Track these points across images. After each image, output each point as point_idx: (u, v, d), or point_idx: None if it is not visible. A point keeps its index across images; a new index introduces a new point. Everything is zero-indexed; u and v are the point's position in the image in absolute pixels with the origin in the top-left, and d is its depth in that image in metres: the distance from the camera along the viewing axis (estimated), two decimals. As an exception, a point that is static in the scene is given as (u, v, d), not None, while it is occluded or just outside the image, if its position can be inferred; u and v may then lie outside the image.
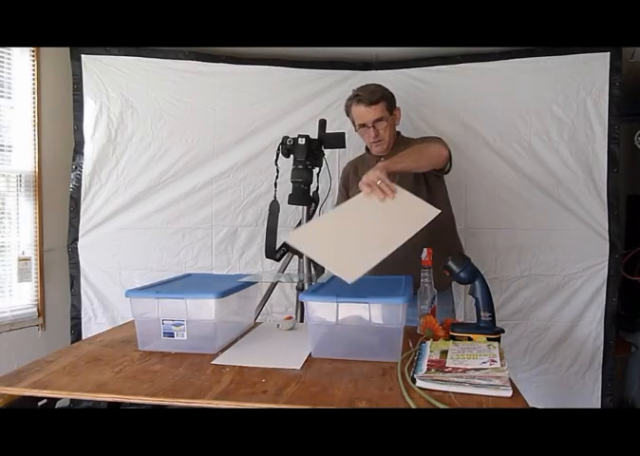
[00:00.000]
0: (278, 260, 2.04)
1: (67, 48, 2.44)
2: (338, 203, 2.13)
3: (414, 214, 1.35)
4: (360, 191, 1.80)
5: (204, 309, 1.24)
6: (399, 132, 2.00)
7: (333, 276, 1.51)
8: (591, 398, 2.41)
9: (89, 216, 2.50)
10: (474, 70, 2.48)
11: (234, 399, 0.96)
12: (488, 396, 0.96)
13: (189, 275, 1.63)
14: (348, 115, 1.97)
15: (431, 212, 1.34)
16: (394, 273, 1.47)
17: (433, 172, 1.84)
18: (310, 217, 2.01)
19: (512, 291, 2.47)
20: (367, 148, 2.03)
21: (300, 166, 1.88)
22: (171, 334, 1.26)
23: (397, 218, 1.36)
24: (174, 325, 1.26)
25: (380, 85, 1.94)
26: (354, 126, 1.96)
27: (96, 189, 2.50)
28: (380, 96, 1.87)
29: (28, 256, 2.43)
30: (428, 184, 1.87)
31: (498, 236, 2.46)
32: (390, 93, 1.93)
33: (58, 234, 2.50)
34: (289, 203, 1.93)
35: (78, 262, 2.50)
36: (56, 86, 2.50)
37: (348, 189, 2.08)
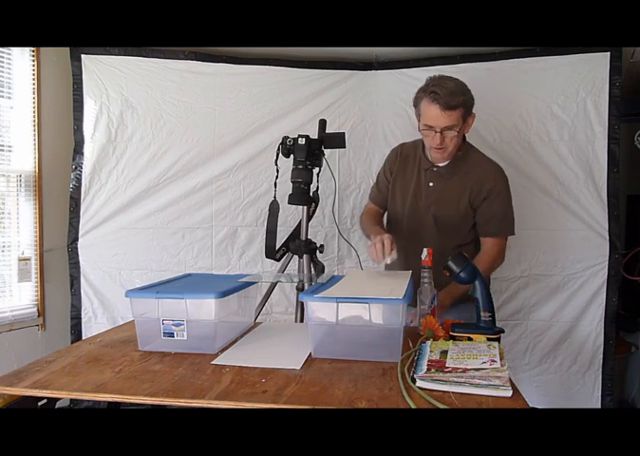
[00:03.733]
0: (278, 260, 2.04)
1: (67, 48, 2.44)
2: (379, 187, 1.94)
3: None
4: (402, 187, 1.85)
5: (204, 309, 1.24)
6: (464, 138, 1.77)
7: (333, 276, 1.52)
8: (591, 398, 2.41)
9: (89, 216, 2.50)
10: (474, 70, 2.48)
11: (234, 399, 0.96)
12: (488, 396, 0.96)
13: (189, 275, 1.63)
14: (415, 106, 1.70)
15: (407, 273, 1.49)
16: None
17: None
18: (310, 217, 2.01)
19: (512, 291, 2.47)
20: (422, 145, 1.81)
21: (300, 166, 1.88)
22: (171, 334, 1.26)
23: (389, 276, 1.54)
24: (174, 325, 1.25)
25: (461, 86, 1.65)
26: (418, 121, 1.71)
27: (96, 189, 2.50)
28: (459, 102, 1.60)
29: (28, 256, 2.42)
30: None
31: (498, 236, 2.46)
32: (471, 97, 1.66)
33: (58, 234, 2.51)
34: (289, 203, 1.93)
35: (78, 262, 2.50)
36: (56, 86, 2.50)
37: (392, 173, 1.87)
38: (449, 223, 1.76)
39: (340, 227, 2.62)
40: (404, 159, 1.85)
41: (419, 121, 1.70)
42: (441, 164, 1.76)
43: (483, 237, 1.79)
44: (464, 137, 1.77)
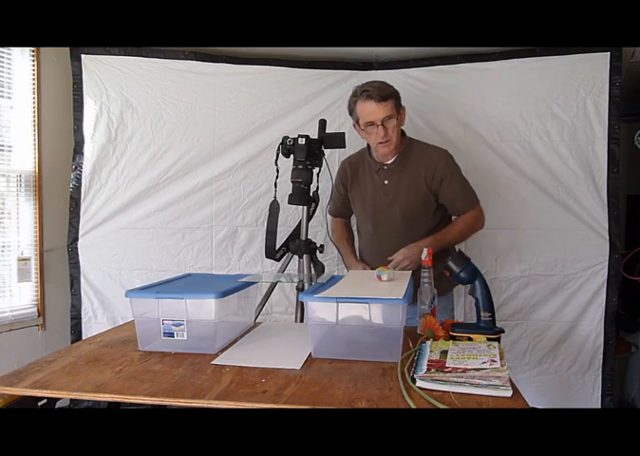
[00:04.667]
0: (278, 260, 2.04)
1: (67, 48, 2.44)
2: (333, 201, 2.09)
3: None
4: (360, 194, 1.98)
5: (204, 309, 1.24)
6: (404, 133, 1.94)
7: (333, 276, 1.52)
8: (591, 398, 2.41)
9: (89, 216, 2.50)
10: (474, 70, 2.48)
11: (234, 399, 0.96)
12: (488, 396, 0.96)
13: (189, 275, 1.63)
14: (350, 113, 1.88)
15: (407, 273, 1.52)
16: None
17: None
18: (310, 217, 2.01)
19: (512, 291, 2.47)
20: (368, 149, 1.97)
21: (300, 166, 1.88)
22: (171, 334, 1.26)
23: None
24: (174, 325, 1.25)
25: (385, 82, 1.85)
26: (356, 126, 1.89)
27: (96, 189, 2.50)
28: (389, 92, 1.79)
29: (28, 256, 2.42)
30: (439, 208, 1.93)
31: (499, 236, 2.46)
32: (397, 91, 1.85)
33: (58, 234, 2.50)
34: (289, 203, 1.93)
35: (78, 262, 2.50)
36: (56, 86, 2.50)
37: (346, 189, 2.03)
38: (413, 213, 1.88)
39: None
40: (354, 169, 2.00)
41: (358, 125, 1.86)
42: (389, 162, 1.89)
43: (457, 214, 1.92)
44: (403, 132, 1.92)
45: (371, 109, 1.77)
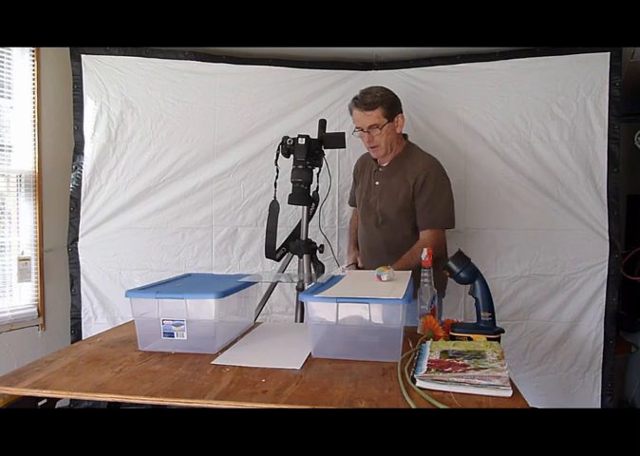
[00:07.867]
0: (278, 260, 2.04)
1: (67, 48, 2.44)
2: (350, 191, 2.27)
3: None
4: (359, 190, 2.09)
5: (204, 309, 1.24)
6: (406, 136, 1.99)
7: (333, 276, 1.52)
8: (591, 398, 2.41)
9: (89, 216, 2.50)
10: (474, 70, 2.48)
11: (234, 399, 0.96)
12: (488, 396, 0.96)
13: (189, 275, 1.63)
14: (351, 114, 1.96)
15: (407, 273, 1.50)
16: None
17: None
18: (309, 217, 2.01)
19: (512, 291, 2.47)
20: None
21: (300, 166, 1.88)
22: (171, 334, 1.26)
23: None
24: (174, 325, 1.25)
25: (383, 89, 1.90)
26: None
27: (96, 189, 2.50)
28: (378, 102, 1.84)
29: (28, 256, 2.42)
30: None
31: (498, 236, 2.46)
32: (393, 99, 1.90)
33: (58, 234, 2.51)
34: (289, 203, 1.93)
35: (78, 262, 2.50)
36: (56, 86, 2.50)
37: (356, 182, 2.15)
38: (388, 217, 1.94)
39: (340, 227, 2.63)
40: (362, 165, 2.11)
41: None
42: (384, 164, 1.97)
43: (420, 229, 1.90)
44: (406, 136, 1.99)
45: (357, 117, 1.89)
